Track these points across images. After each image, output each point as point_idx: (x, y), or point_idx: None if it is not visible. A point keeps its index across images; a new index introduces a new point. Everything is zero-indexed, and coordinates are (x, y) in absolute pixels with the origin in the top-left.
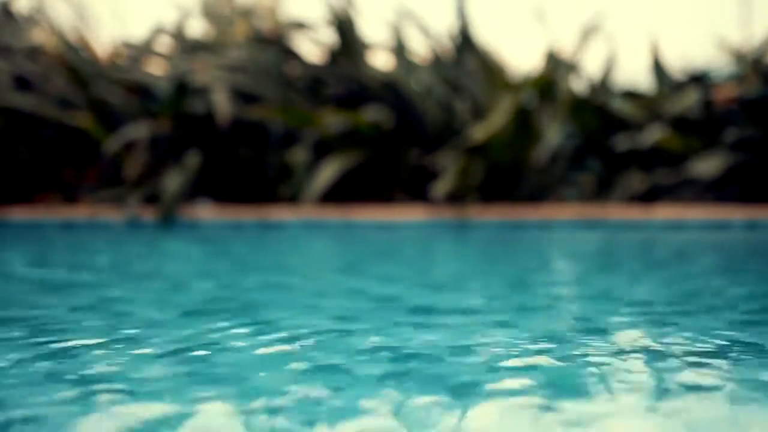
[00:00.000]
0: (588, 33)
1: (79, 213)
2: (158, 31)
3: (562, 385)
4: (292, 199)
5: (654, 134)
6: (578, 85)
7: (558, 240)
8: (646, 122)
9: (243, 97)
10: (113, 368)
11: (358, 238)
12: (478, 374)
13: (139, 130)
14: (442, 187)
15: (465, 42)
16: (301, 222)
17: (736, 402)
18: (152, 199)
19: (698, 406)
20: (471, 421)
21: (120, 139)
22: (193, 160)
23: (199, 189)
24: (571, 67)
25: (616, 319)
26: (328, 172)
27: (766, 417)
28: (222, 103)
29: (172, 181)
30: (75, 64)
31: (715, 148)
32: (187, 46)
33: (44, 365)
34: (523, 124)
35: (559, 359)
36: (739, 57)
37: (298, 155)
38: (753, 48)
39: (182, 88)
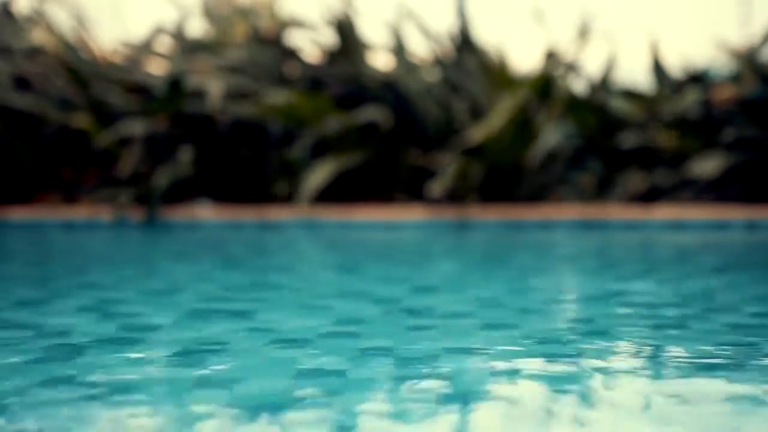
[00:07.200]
0: (587, 33)
1: (79, 213)
2: (158, 31)
3: (562, 386)
4: (291, 199)
5: (659, 139)
6: (578, 85)
7: (558, 240)
8: (646, 122)
9: (243, 97)
10: (112, 367)
11: (358, 237)
12: (478, 375)
13: (134, 127)
14: (438, 185)
15: (465, 42)
16: (300, 222)
17: (734, 404)
18: (146, 198)
19: (692, 408)
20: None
21: (114, 134)
22: (184, 156)
23: (198, 189)
24: (570, 67)
25: (616, 319)
26: (322, 172)
27: (765, 417)
28: (214, 91)
29: (161, 178)
30: (75, 65)
31: (715, 148)
32: (186, 46)
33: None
34: (523, 125)
35: (558, 358)
36: (738, 57)
37: (297, 155)
38: (752, 48)
39: (177, 85)
